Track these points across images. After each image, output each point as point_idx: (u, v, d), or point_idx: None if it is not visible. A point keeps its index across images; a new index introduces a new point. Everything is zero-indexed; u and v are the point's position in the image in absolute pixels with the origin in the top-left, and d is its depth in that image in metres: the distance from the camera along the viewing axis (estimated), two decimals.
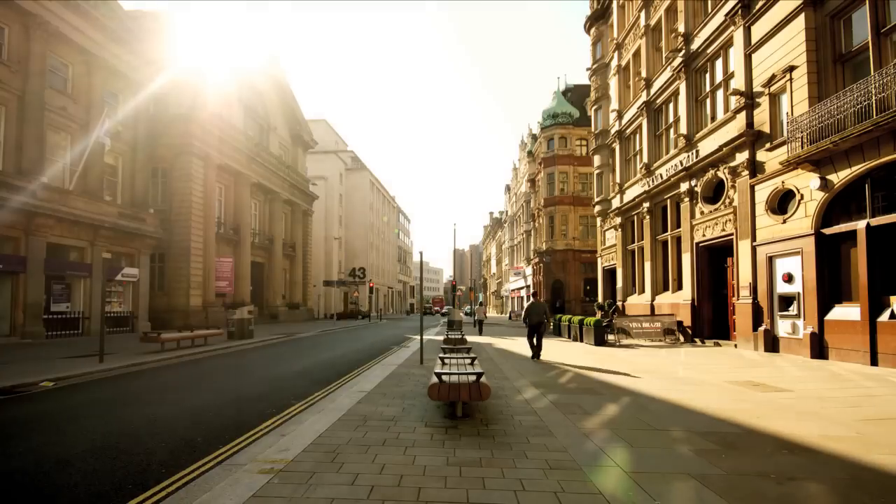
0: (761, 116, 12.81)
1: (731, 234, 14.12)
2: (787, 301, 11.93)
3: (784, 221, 11.92)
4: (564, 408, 6.32)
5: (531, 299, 12.17)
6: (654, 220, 19.47)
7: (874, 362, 9.55)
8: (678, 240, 17.50)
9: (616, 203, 23.13)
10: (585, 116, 36.19)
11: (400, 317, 60.06)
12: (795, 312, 11.57)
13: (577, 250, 37.16)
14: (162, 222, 23.67)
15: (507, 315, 51.70)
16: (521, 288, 51.12)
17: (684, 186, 16.62)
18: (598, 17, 26.33)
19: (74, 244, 19.07)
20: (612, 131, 23.74)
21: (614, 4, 23.67)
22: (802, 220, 11.33)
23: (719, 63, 15.11)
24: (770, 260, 12.38)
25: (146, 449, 4.91)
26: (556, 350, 14.54)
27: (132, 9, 25.63)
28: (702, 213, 15.74)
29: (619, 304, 22.05)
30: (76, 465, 4.41)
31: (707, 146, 15.19)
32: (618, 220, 22.87)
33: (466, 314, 40.87)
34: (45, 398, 7.69)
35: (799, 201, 11.44)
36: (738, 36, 13.59)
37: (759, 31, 12.82)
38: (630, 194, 21.51)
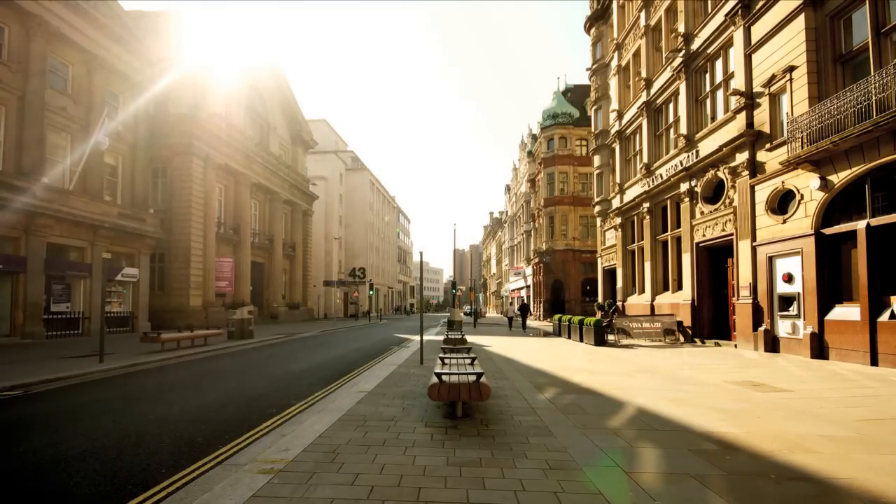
0: (761, 116, 12.81)
1: (731, 235, 14.12)
2: (787, 301, 11.93)
3: (784, 221, 11.92)
4: (564, 408, 6.32)
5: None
6: (654, 220, 19.47)
7: (874, 362, 9.56)
8: (678, 240, 17.50)
9: (616, 203, 23.13)
10: (585, 116, 36.23)
11: (399, 317, 60.12)
12: (795, 312, 11.57)
13: (577, 250, 37.17)
14: (162, 222, 23.66)
15: (507, 315, 51.64)
16: (522, 288, 51.11)
17: (684, 186, 16.62)
18: (598, 18, 26.34)
19: (74, 244, 19.06)
20: (612, 131, 23.74)
21: (614, 4, 23.67)
22: (802, 220, 11.33)
23: (719, 63, 15.12)
24: (770, 260, 12.38)
25: (146, 449, 4.91)
26: (556, 350, 14.54)
27: (132, 9, 25.63)
28: (702, 213, 15.74)
29: (619, 304, 22.05)
30: (76, 466, 4.41)
31: (707, 146, 15.19)
32: (618, 220, 22.87)
33: (467, 314, 40.92)
34: (45, 398, 7.69)
35: (799, 201, 11.44)
36: (738, 36, 13.60)
37: (759, 31, 12.83)
38: (630, 194, 21.51)
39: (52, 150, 18.64)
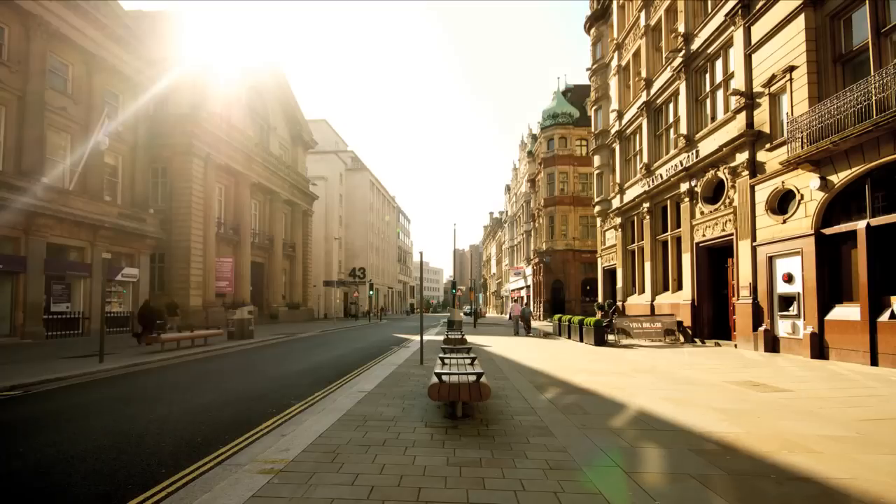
0: (761, 116, 12.81)
1: (731, 235, 14.13)
2: (787, 301, 11.93)
3: (784, 221, 11.92)
4: (564, 408, 6.32)
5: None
6: (654, 220, 19.47)
7: (874, 362, 9.56)
8: (678, 240, 17.50)
9: (616, 203, 23.13)
10: (585, 116, 36.21)
11: (400, 317, 60.15)
12: (795, 312, 11.57)
13: (577, 250, 37.18)
14: (162, 222, 23.66)
15: (507, 315, 51.66)
16: (522, 288, 51.09)
17: (684, 186, 16.62)
18: (598, 18, 26.34)
19: (74, 244, 19.06)
20: (612, 131, 23.74)
21: (614, 4, 23.67)
22: (802, 220, 11.33)
23: (719, 63, 15.11)
24: (770, 260, 12.38)
25: (146, 449, 4.91)
26: (556, 350, 14.54)
27: (132, 9, 25.63)
28: (702, 213, 15.74)
29: (619, 304, 22.05)
30: (76, 466, 4.41)
31: (707, 146, 15.19)
32: (618, 220, 22.87)
33: (466, 314, 41.00)
34: (45, 398, 7.69)
35: (799, 201, 11.44)
36: (738, 36, 13.60)
37: (759, 31, 12.83)
38: (630, 194, 21.51)
39: (52, 150, 18.64)
